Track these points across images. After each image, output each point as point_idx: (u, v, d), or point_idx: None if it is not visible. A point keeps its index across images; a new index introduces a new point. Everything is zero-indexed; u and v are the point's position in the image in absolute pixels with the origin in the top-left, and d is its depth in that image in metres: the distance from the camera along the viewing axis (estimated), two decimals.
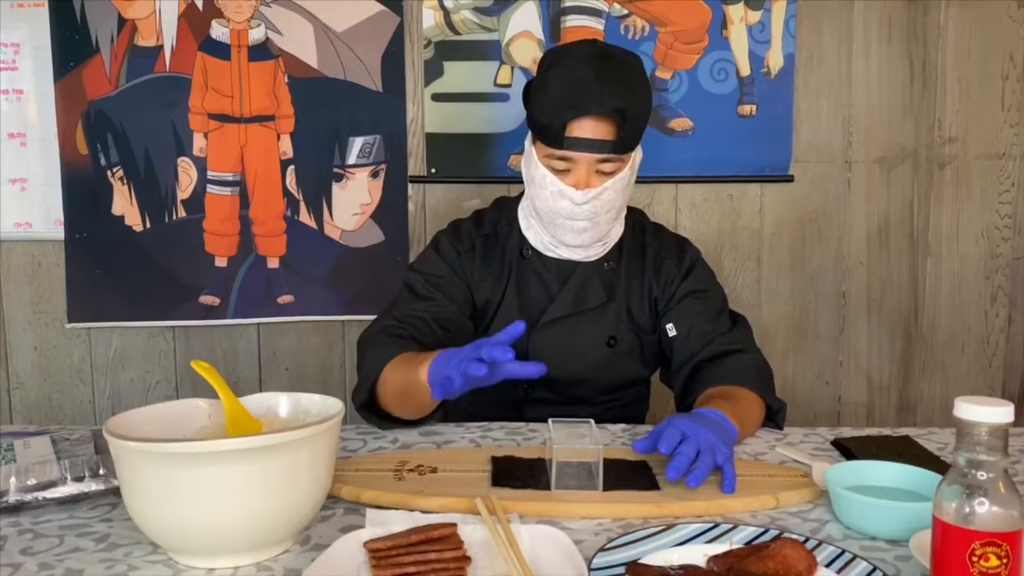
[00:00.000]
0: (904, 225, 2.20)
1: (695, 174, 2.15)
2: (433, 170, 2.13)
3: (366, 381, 1.36)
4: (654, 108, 2.09)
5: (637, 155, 1.45)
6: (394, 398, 1.33)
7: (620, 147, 1.37)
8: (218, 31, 2.06)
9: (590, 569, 0.86)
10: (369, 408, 1.38)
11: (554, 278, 1.51)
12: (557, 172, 1.39)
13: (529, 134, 1.46)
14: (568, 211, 1.40)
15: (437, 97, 2.12)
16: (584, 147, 1.36)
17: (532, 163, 1.43)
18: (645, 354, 1.55)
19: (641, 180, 2.11)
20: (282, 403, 1.08)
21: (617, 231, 1.53)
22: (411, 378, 1.24)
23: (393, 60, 2.09)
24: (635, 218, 1.59)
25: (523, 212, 1.54)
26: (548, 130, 1.37)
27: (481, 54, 2.10)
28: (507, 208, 1.58)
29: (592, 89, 1.34)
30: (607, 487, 1.09)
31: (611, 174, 1.39)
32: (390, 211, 2.13)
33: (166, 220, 2.11)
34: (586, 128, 1.36)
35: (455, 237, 1.55)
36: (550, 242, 1.49)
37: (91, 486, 1.07)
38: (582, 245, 1.46)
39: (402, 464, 1.17)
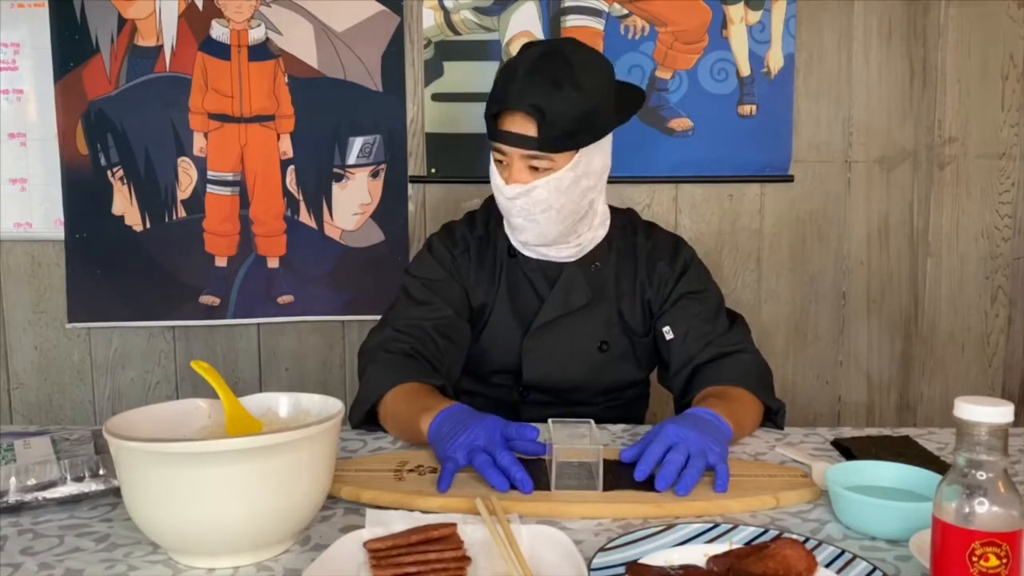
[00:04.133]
0: (904, 225, 2.20)
1: (695, 174, 2.15)
2: (433, 170, 2.13)
3: (364, 404, 1.36)
4: (654, 108, 2.11)
5: (587, 159, 1.39)
6: (394, 426, 1.34)
7: (544, 145, 1.35)
8: (218, 31, 2.06)
9: (590, 569, 0.86)
10: (367, 420, 1.39)
11: (541, 279, 1.51)
12: (498, 164, 1.43)
13: None
14: (504, 206, 1.43)
15: (437, 97, 2.12)
16: (509, 140, 1.38)
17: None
18: (639, 356, 1.55)
19: (641, 180, 2.14)
20: (282, 403, 1.08)
21: (594, 233, 1.50)
22: (413, 422, 1.25)
23: (393, 60, 2.09)
24: (626, 218, 1.58)
25: None
26: (488, 122, 1.41)
27: (481, 54, 2.10)
28: (496, 208, 1.57)
29: (516, 84, 1.36)
30: (607, 487, 1.09)
31: (544, 172, 1.38)
32: (390, 211, 2.13)
33: (166, 220, 2.11)
34: (514, 122, 1.37)
35: (449, 239, 1.54)
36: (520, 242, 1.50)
37: (91, 486, 1.07)
38: (527, 243, 1.47)
39: (402, 464, 1.17)
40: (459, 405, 1.23)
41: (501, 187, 1.41)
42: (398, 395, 1.33)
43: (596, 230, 1.51)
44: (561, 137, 1.35)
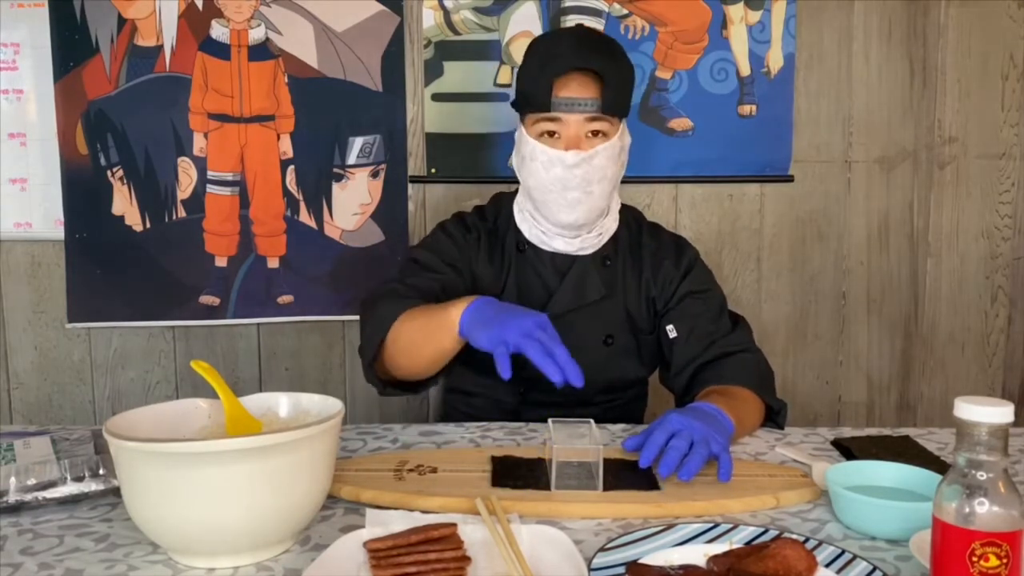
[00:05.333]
0: (904, 225, 2.20)
1: (695, 174, 2.15)
2: (433, 170, 2.13)
3: (379, 331, 1.33)
4: (654, 108, 2.11)
5: (626, 135, 1.45)
6: (408, 343, 1.31)
7: (607, 107, 1.38)
8: (218, 31, 2.06)
9: (590, 569, 0.86)
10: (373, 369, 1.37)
11: (551, 273, 1.51)
12: (548, 140, 1.40)
13: (519, 124, 1.47)
14: (561, 178, 1.39)
15: (437, 97, 2.12)
16: (572, 106, 1.37)
17: (523, 142, 1.44)
18: (642, 354, 1.55)
19: (641, 180, 2.13)
20: (282, 403, 1.08)
21: (611, 224, 1.52)
22: (437, 319, 1.24)
23: (393, 60, 2.09)
24: (631, 215, 1.59)
25: (518, 206, 1.54)
26: (536, 95, 1.38)
27: (481, 54, 2.10)
28: (504, 203, 1.58)
29: (575, 50, 1.38)
30: (607, 487, 1.09)
31: (600, 139, 1.40)
32: (390, 211, 2.13)
33: (166, 220, 2.11)
34: (572, 87, 1.37)
35: (461, 225, 1.55)
36: (543, 233, 1.48)
37: (91, 486, 1.07)
38: (575, 223, 1.44)
39: (402, 464, 1.17)
40: (489, 298, 1.23)
41: (560, 156, 1.38)
42: (411, 314, 1.31)
43: (612, 221, 1.52)
44: (620, 101, 1.40)
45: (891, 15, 2.13)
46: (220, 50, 2.07)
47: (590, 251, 1.50)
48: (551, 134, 1.40)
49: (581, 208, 1.42)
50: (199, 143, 2.09)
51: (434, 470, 1.15)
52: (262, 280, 2.14)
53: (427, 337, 1.28)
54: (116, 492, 1.04)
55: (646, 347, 1.55)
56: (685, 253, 1.55)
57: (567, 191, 1.40)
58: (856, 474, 1.07)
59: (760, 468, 1.18)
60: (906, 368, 2.24)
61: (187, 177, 2.10)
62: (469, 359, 1.52)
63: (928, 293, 2.22)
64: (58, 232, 2.10)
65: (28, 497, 1.04)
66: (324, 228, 2.13)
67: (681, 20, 2.09)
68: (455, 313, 1.22)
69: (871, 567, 0.87)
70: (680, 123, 2.13)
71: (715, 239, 2.18)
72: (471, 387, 1.57)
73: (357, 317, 2.13)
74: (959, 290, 2.22)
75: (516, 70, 1.49)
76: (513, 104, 1.48)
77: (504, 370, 1.11)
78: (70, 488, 1.06)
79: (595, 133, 1.40)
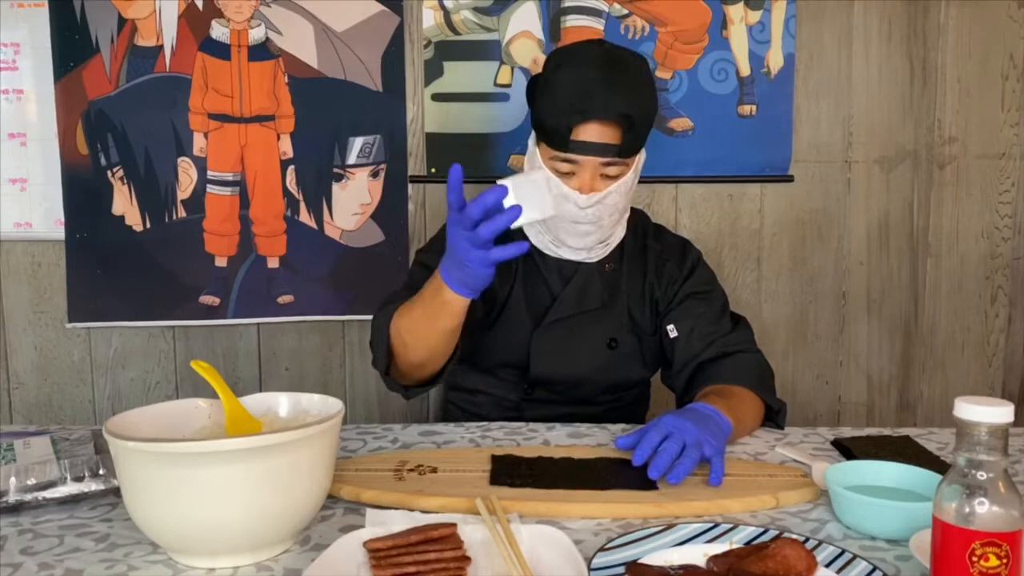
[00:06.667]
0: (904, 225, 2.20)
1: (695, 174, 2.15)
2: (433, 170, 2.13)
3: (381, 339, 1.34)
4: None
5: (641, 156, 1.44)
6: (410, 335, 1.30)
7: (625, 151, 1.37)
8: (218, 31, 2.06)
9: (590, 569, 0.86)
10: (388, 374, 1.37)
11: (556, 278, 1.51)
12: (561, 175, 1.38)
13: (533, 134, 1.45)
14: (572, 215, 1.39)
15: (437, 97, 2.12)
16: (590, 151, 1.35)
17: (536, 164, 1.42)
18: (645, 356, 1.55)
19: (641, 180, 2.10)
20: (282, 403, 1.08)
21: (619, 233, 1.52)
22: (424, 294, 1.25)
23: (393, 60, 2.09)
24: (637, 220, 1.59)
25: None
26: (554, 133, 1.36)
27: (481, 54, 2.10)
28: None
29: (599, 93, 1.33)
30: (604, 486, 1.09)
31: (615, 177, 1.39)
32: (390, 211, 2.13)
33: (166, 220, 2.11)
34: (592, 132, 1.35)
35: None
36: (551, 242, 1.48)
37: (91, 486, 1.07)
38: (585, 248, 1.45)
39: (402, 464, 1.17)
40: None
41: (574, 197, 1.37)
42: (401, 309, 1.32)
43: (620, 230, 1.52)
44: (640, 141, 1.39)
45: (891, 15, 2.13)
46: (220, 50, 2.07)
47: (596, 259, 1.50)
48: (566, 170, 1.39)
49: (591, 238, 1.43)
50: (199, 143, 2.09)
51: (434, 470, 1.15)
52: (262, 280, 2.14)
53: (427, 319, 1.27)
54: (116, 492, 1.05)
55: (649, 348, 1.55)
56: (688, 254, 1.56)
57: (578, 224, 1.41)
58: (856, 474, 1.07)
59: (760, 468, 1.18)
60: (906, 368, 2.24)
61: (187, 177, 2.10)
62: (476, 357, 1.52)
63: (928, 293, 2.22)
64: (58, 232, 2.10)
65: (28, 497, 1.04)
66: (324, 228, 2.13)
67: (681, 20, 2.09)
68: (436, 275, 1.23)
69: (871, 567, 0.87)
70: (680, 123, 2.13)
71: (715, 239, 2.18)
72: (474, 385, 1.58)
73: (357, 317, 2.16)
74: (959, 290, 2.22)
75: (532, 78, 1.44)
76: (528, 96, 1.45)
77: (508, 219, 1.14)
78: (70, 488, 1.06)
79: (611, 175, 1.39)
